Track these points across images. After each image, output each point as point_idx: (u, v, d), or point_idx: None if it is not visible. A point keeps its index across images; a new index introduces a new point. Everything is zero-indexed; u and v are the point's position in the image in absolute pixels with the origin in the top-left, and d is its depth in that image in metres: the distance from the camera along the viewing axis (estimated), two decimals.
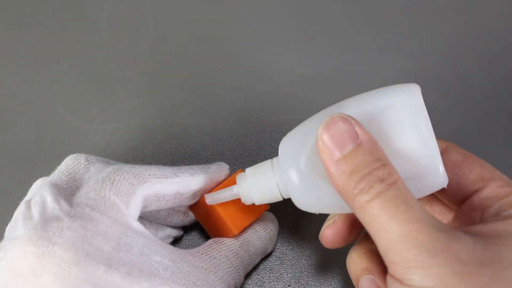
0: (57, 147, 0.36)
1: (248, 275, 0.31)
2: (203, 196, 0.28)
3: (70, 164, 0.26)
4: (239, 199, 0.27)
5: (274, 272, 0.32)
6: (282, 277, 0.32)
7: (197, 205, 0.29)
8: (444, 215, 0.28)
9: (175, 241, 0.32)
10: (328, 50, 0.39)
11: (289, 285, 0.32)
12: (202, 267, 0.25)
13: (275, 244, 0.32)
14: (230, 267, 0.26)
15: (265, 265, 0.32)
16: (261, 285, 0.32)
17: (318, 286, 0.32)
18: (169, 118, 0.37)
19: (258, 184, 0.26)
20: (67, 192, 0.24)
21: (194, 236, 0.33)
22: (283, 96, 0.37)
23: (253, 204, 0.27)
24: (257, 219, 0.29)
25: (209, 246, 0.27)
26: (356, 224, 0.26)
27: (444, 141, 0.26)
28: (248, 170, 0.27)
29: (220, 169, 0.28)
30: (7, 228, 0.25)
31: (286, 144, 0.25)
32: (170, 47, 0.39)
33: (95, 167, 0.25)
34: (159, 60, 0.39)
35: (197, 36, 0.40)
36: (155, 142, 0.36)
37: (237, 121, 0.36)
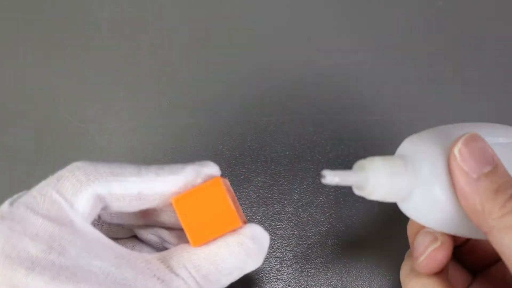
0: (57, 147, 0.36)
1: (248, 275, 0.31)
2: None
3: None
4: (212, 206, 0.23)
5: (274, 272, 0.32)
6: (282, 277, 0.32)
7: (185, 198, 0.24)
8: None
9: None
10: (328, 50, 0.39)
11: (289, 285, 0.32)
12: (154, 275, 0.22)
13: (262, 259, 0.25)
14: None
15: (265, 265, 0.32)
16: (261, 285, 0.32)
17: (318, 286, 0.32)
18: (169, 118, 0.37)
19: (391, 179, 0.23)
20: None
21: None
22: (283, 96, 0.37)
23: (224, 217, 0.23)
24: (232, 233, 0.24)
25: (170, 252, 0.23)
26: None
27: None
28: (378, 161, 0.24)
29: (199, 172, 0.24)
30: None
31: (423, 153, 0.23)
32: (170, 47, 0.39)
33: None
34: (159, 60, 0.39)
35: (197, 36, 0.40)
36: (155, 142, 0.36)
37: (237, 121, 0.36)
